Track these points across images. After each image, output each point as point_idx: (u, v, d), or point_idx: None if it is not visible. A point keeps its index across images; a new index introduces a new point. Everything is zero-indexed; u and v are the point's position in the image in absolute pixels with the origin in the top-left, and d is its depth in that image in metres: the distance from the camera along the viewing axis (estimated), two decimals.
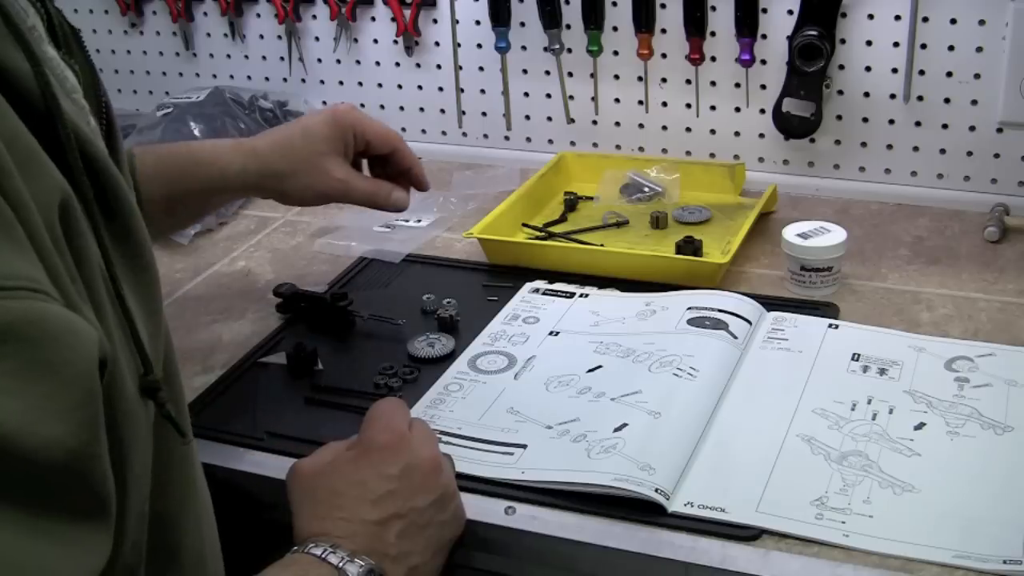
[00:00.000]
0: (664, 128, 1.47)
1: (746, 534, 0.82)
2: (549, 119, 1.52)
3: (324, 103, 1.64)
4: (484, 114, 1.55)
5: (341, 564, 0.71)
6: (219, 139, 1.23)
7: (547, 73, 1.49)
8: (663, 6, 1.39)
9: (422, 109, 1.59)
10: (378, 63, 1.59)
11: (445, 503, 0.80)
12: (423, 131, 1.60)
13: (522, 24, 1.47)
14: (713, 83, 1.41)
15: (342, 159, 1.07)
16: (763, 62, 1.38)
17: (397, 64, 1.58)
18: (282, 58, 1.63)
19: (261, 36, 1.64)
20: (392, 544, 0.75)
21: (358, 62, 1.60)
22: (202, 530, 0.73)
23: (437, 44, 1.54)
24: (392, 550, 0.75)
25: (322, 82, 1.63)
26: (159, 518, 0.65)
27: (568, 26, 1.44)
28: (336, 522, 0.75)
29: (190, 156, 1.08)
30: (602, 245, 1.25)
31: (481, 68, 1.52)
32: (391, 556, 0.75)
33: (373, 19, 1.57)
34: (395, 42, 1.56)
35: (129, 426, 0.58)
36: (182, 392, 0.70)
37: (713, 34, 1.38)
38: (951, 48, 1.30)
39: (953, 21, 1.28)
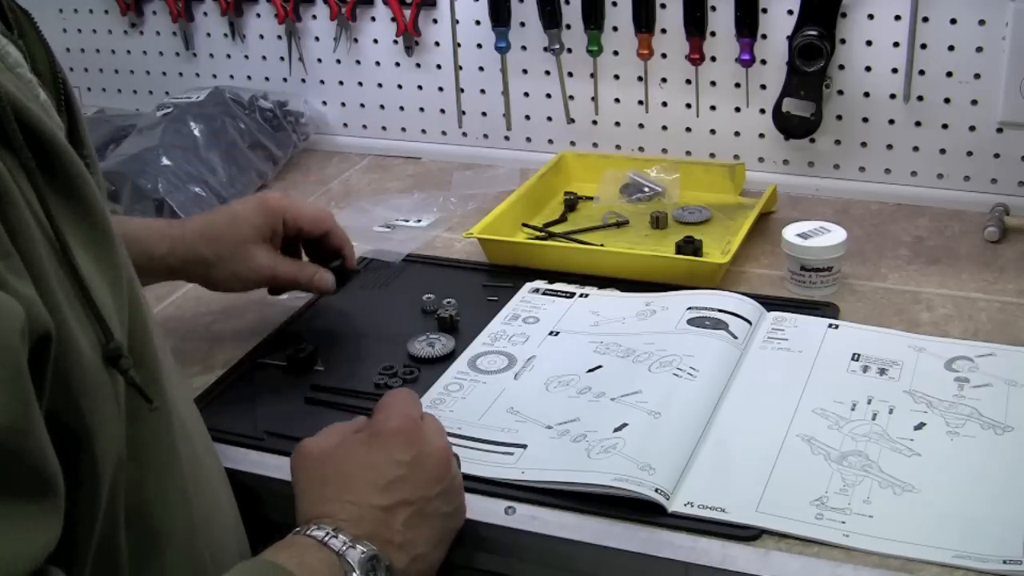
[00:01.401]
0: (664, 128, 1.47)
1: (746, 534, 0.82)
2: (549, 119, 1.52)
3: (324, 103, 1.64)
4: (484, 114, 1.55)
5: (343, 549, 0.70)
6: (153, 220, 1.22)
7: (547, 73, 1.49)
8: (663, 6, 1.39)
9: (422, 109, 1.59)
10: (378, 63, 1.59)
11: (452, 495, 0.80)
12: (423, 131, 1.60)
13: (522, 24, 1.47)
14: (713, 83, 1.41)
15: (268, 246, 1.07)
16: (763, 62, 1.38)
17: (397, 64, 1.58)
18: (282, 58, 1.63)
19: (261, 36, 1.64)
20: (398, 531, 0.75)
21: (358, 62, 1.60)
22: (191, 507, 0.71)
23: (437, 44, 1.54)
24: (398, 537, 0.74)
25: (322, 82, 1.63)
26: (136, 487, 0.64)
27: (568, 26, 1.44)
28: (343, 505, 0.74)
29: (119, 230, 1.09)
30: (602, 245, 1.25)
31: (481, 68, 1.52)
32: (396, 543, 0.74)
33: (373, 19, 1.57)
34: (395, 42, 1.56)
35: (90, 396, 0.58)
36: (157, 358, 0.69)
37: (713, 34, 1.38)
38: (951, 48, 1.30)
39: (953, 21, 1.28)
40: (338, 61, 1.61)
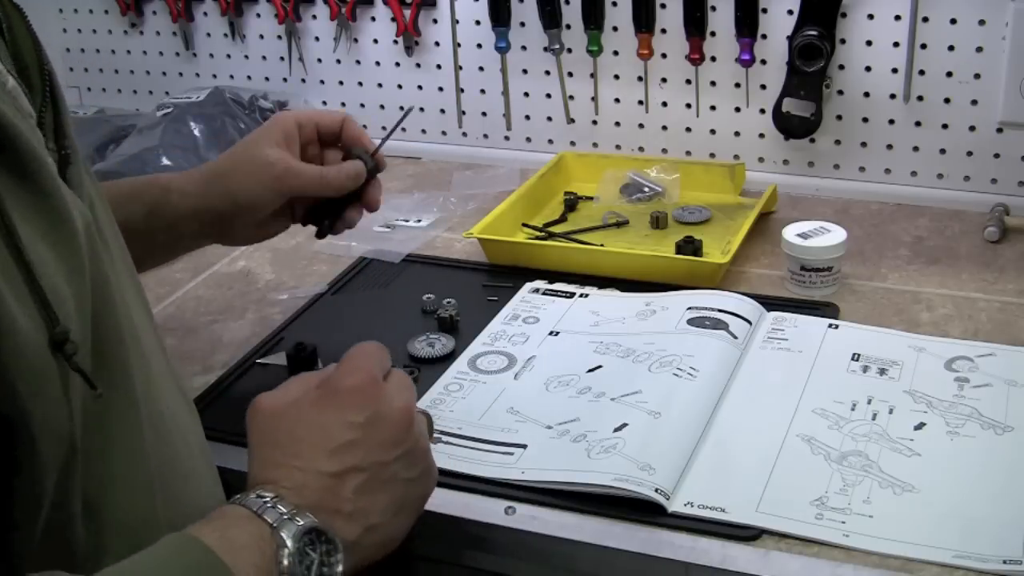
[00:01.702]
0: (664, 128, 1.47)
1: (746, 534, 0.82)
2: (549, 119, 1.52)
3: (324, 103, 1.64)
4: (484, 114, 1.55)
5: (279, 521, 0.64)
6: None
7: (547, 73, 1.49)
8: (663, 6, 1.39)
9: (422, 109, 1.59)
10: (378, 63, 1.59)
11: (414, 459, 0.74)
12: (423, 131, 1.60)
13: (522, 24, 1.47)
14: (713, 83, 1.42)
15: (283, 148, 1.02)
16: (763, 62, 1.38)
17: (397, 64, 1.58)
18: (282, 58, 1.63)
19: (261, 36, 1.64)
20: (347, 499, 0.69)
21: (358, 62, 1.60)
22: (155, 502, 0.66)
23: (437, 44, 1.54)
24: (347, 506, 0.69)
25: (322, 82, 1.63)
26: (89, 476, 0.61)
27: (568, 26, 1.44)
28: (289, 471, 0.69)
29: (144, 179, 1.07)
30: (602, 245, 1.25)
31: (481, 68, 1.53)
32: (344, 512, 0.69)
33: (373, 19, 1.57)
34: (395, 42, 1.56)
35: (29, 380, 0.56)
36: (127, 349, 0.65)
37: (713, 34, 1.38)
38: (951, 48, 1.30)
39: (953, 21, 1.28)
40: (338, 61, 1.61)
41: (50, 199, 0.60)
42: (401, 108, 1.00)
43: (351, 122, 1.04)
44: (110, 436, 0.64)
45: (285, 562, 0.63)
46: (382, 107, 1.61)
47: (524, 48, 1.48)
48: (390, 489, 0.72)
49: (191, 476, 0.73)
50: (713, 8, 1.37)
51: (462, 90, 1.54)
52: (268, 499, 0.66)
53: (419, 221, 1.36)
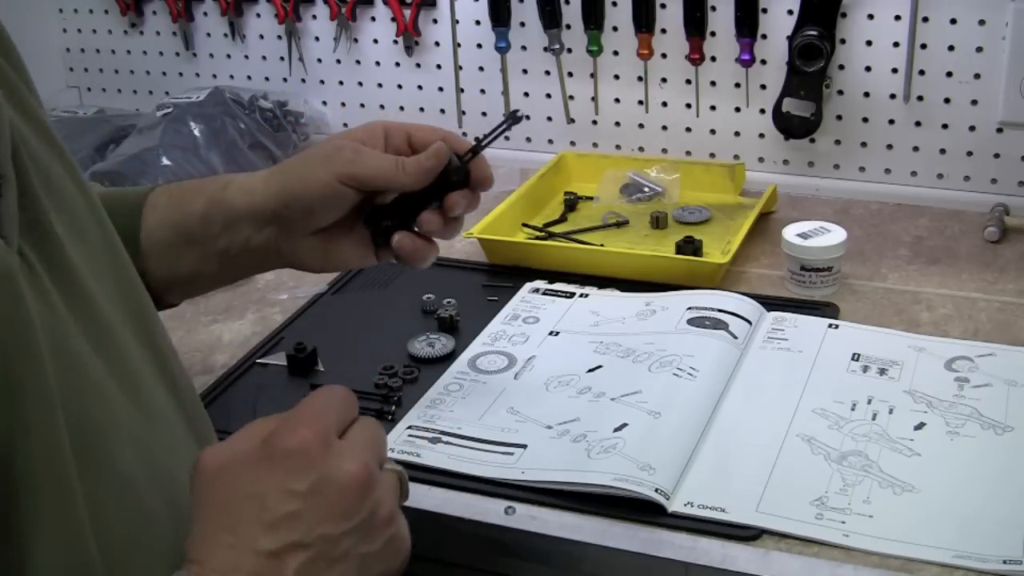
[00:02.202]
0: (664, 128, 1.47)
1: (746, 534, 0.82)
2: (549, 119, 1.52)
3: (324, 103, 1.64)
4: (484, 114, 1.55)
5: None
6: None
7: (547, 73, 1.49)
8: (663, 6, 1.39)
9: (422, 109, 1.59)
10: (378, 63, 1.59)
11: (372, 531, 0.62)
12: None
13: (522, 24, 1.47)
14: (713, 83, 1.42)
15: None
16: (763, 62, 1.38)
17: (397, 64, 1.58)
18: (282, 58, 1.63)
19: (261, 36, 1.64)
20: None
21: (358, 62, 1.60)
22: (75, 498, 0.58)
23: (437, 44, 1.54)
24: None
25: (322, 82, 1.63)
26: (6, 465, 0.55)
27: (568, 26, 1.44)
28: (219, 548, 0.58)
29: (211, 178, 0.96)
30: (602, 245, 1.25)
31: (481, 68, 1.53)
32: None
33: (373, 19, 1.57)
34: (395, 42, 1.56)
35: None
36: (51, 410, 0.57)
37: (713, 34, 1.38)
38: (951, 48, 1.30)
39: (953, 21, 1.28)
40: (338, 61, 1.61)
41: None
42: (509, 115, 0.86)
43: (454, 138, 0.89)
44: (32, 427, 0.56)
45: None
46: (382, 107, 1.61)
47: (524, 48, 1.48)
48: (341, 567, 0.61)
49: (137, 481, 0.64)
50: (713, 8, 1.37)
51: (462, 90, 1.54)
52: None
53: None
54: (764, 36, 1.37)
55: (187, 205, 0.90)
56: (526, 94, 1.52)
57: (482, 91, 1.54)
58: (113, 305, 0.65)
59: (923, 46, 1.31)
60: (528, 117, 0.82)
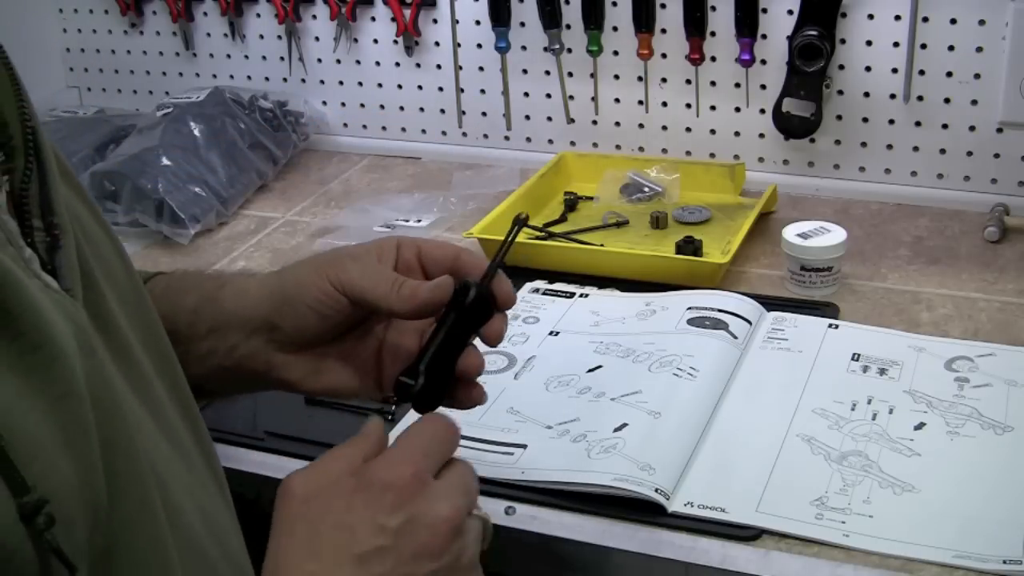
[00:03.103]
0: (664, 128, 1.47)
1: (746, 534, 0.82)
2: (549, 119, 1.52)
3: (324, 103, 1.64)
4: (484, 114, 1.55)
5: None
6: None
7: (547, 73, 1.49)
8: (663, 6, 1.39)
9: (422, 109, 1.59)
10: (378, 63, 1.59)
11: (455, 574, 0.63)
12: (423, 131, 1.60)
13: (522, 24, 1.47)
14: (713, 83, 1.42)
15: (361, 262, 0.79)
16: (763, 62, 1.38)
17: (397, 64, 1.58)
18: (282, 58, 1.63)
19: (261, 36, 1.64)
20: None
21: (358, 62, 1.60)
22: None
23: (437, 44, 1.54)
24: None
25: (322, 82, 1.63)
26: None
27: (568, 26, 1.44)
28: (303, 574, 0.60)
29: (206, 274, 0.89)
30: (602, 245, 1.25)
31: (481, 68, 1.53)
32: None
33: (373, 19, 1.57)
34: (395, 42, 1.56)
35: None
36: (134, 480, 0.54)
37: (713, 34, 1.38)
38: (951, 48, 1.30)
39: (953, 21, 1.28)
40: (338, 61, 1.61)
41: (17, 323, 0.49)
42: (515, 221, 0.78)
43: (468, 256, 0.78)
44: None
45: None
46: (382, 107, 1.61)
47: (524, 48, 1.48)
48: None
49: None
50: (713, 8, 1.37)
51: (462, 90, 1.54)
52: None
53: (419, 221, 1.36)
54: (764, 36, 1.37)
55: (179, 298, 0.82)
56: (526, 94, 1.52)
57: (482, 91, 1.54)
58: (144, 351, 0.64)
59: (923, 46, 1.31)
60: (528, 217, 0.75)
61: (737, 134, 1.43)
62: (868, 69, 1.34)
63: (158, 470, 0.58)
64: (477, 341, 0.75)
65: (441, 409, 0.73)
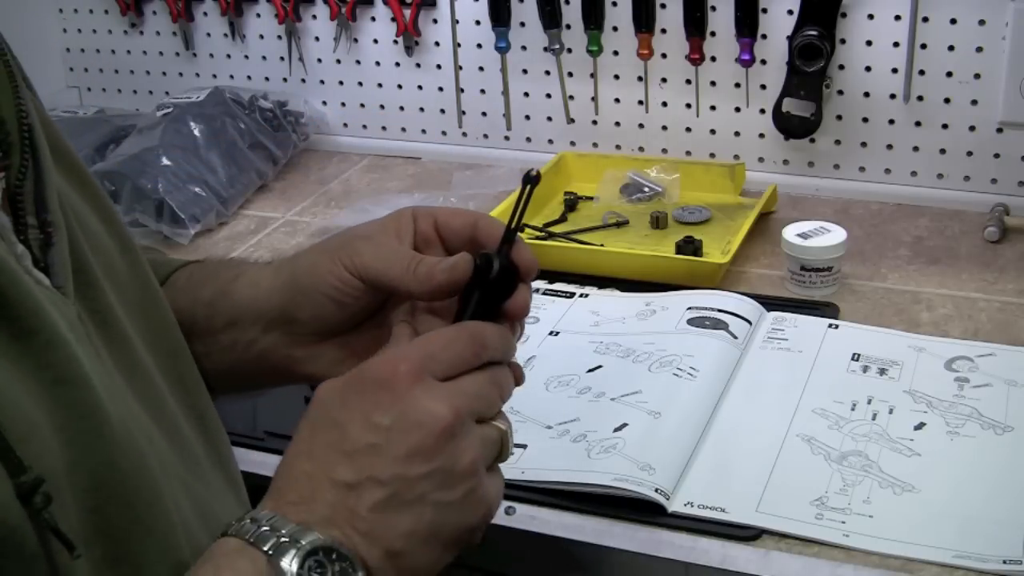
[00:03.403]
0: (664, 128, 1.47)
1: (746, 534, 0.82)
2: (549, 119, 1.52)
3: (324, 103, 1.64)
4: (484, 114, 1.55)
5: (274, 548, 0.54)
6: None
7: (547, 73, 1.49)
8: (663, 6, 1.39)
9: (422, 109, 1.59)
10: (378, 63, 1.59)
11: (452, 480, 0.59)
12: (423, 131, 1.60)
13: (522, 24, 1.47)
14: (713, 83, 1.41)
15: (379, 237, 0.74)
16: (763, 62, 1.38)
17: (397, 64, 1.58)
18: (282, 58, 1.63)
19: (261, 36, 1.64)
20: (363, 517, 0.57)
21: (358, 62, 1.60)
22: None
23: (437, 44, 1.54)
24: (362, 525, 0.57)
25: (322, 82, 1.63)
26: None
27: (568, 26, 1.44)
28: (296, 479, 0.58)
29: (226, 262, 0.86)
30: (602, 245, 1.25)
31: (481, 68, 1.52)
32: (361, 531, 0.57)
33: (373, 19, 1.57)
34: (395, 42, 1.56)
35: None
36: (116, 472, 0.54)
37: (713, 34, 1.38)
38: (951, 48, 1.30)
39: (953, 21, 1.28)
40: (338, 61, 1.61)
41: (11, 308, 0.50)
42: (525, 178, 0.67)
43: (487, 222, 0.71)
44: None
45: None
46: (382, 107, 1.61)
47: (524, 48, 1.48)
48: (415, 512, 0.59)
49: None
50: (713, 8, 1.37)
51: (462, 90, 1.54)
52: (266, 520, 0.56)
53: None
54: (764, 36, 1.37)
55: (198, 291, 0.78)
56: (526, 94, 1.52)
57: (482, 91, 1.54)
58: (148, 348, 0.63)
59: (923, 46, 1.31)
60: (539, 173, 0.65)
61: (737, 134, 1.43)
62: (868, 69, 1.34)
63: (149, 465, 0.57)
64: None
65: None
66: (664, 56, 1.42)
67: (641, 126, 1.48)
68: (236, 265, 0.81)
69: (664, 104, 1.45)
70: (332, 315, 0.72)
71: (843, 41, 1.34)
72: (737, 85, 1.40)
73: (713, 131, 1.44)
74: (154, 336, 0.65)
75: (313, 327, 0.73)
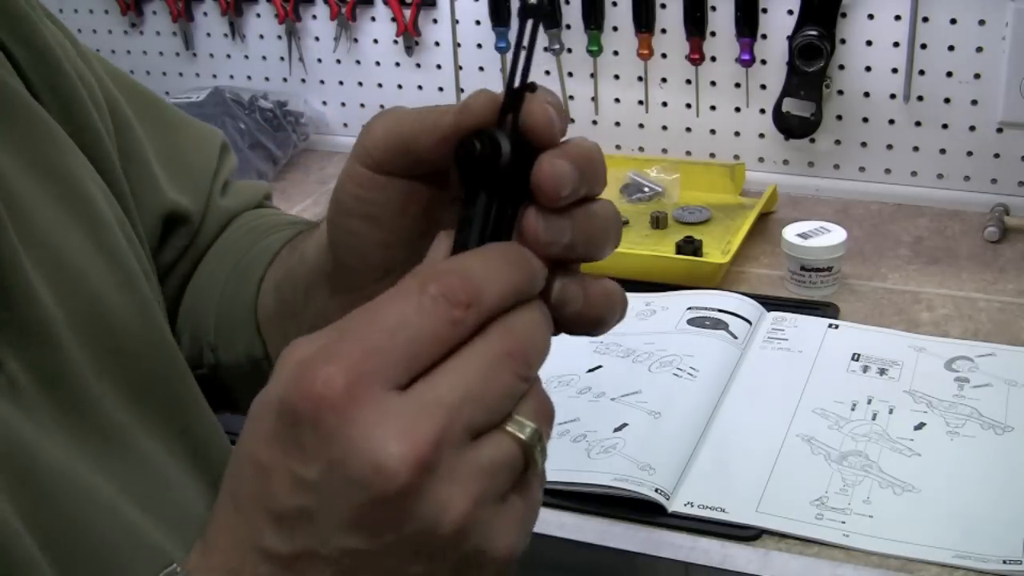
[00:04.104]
0: (664, 128, 1.47)
1: (746, 534, 0.82)
2: None
3: (324, 103, 1.64)
4: None
5: None
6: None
7: (547, 73, 1.49)
8: (663, 6, 1.39)
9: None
10: (378, 63, 1.59)
11: (433, 547, 0.39)
12: None
13: None
14: (713, 83, 1.41)
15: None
16: (763, 62, 1.38)
17: (397, 64, 1.58)
18: (282, 58, 1.63)
19: (261, 36, 1.64)
20: None
21: (358, 62, 1.60)
22: None
23: (437, 44, 1.54)
24: None
25: (322, 82, 1.63)
26: None
27: (568, 26, 1.44)
28: (222, 531, 0.41)
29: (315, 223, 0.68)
30: None
31: (481, 68, 1.52)
32: None
33: (373, 19, 1.57)
34: (395, 42, 1.56)
35: None
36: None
37: (713, 34, 1.38)
38: (951, 48, 1.30)
39: (953, 21, 1.28)
40: (338, 61, 1.61)
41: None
42: (525, 8, 0.45)
43: (474, 102, 0.48)
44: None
45: None
46: (382, 107, 1.61)
47: None
48: None
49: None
50: (713, 8, 1.37)
51: (462, 90, 1.54)
52: None
53: None
54: (764, 36, 1.37)
55: (289, 259, 0.65)
56: None
57: None
58: (127, 401, 0.54)
59: (923, 46, 1.31)
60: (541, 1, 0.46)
61: (737, 134, 1.43)
62: (868, 69, 1.34)
63: (108, 540, 0.47)
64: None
65: None
66: (664, 56, 1.42)
67: (641, 126, 1.47)
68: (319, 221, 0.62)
69: (664, 104, 1.45)
70: (368, 239, 0.53)
71: (843, 41, 1.34)
72: (737, 85, 1.40)
73: (713, 131, 1.44)
74: (142, 382, 0.55)
75: (362, 269, 0.55)
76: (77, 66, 0.60)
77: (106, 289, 0.54)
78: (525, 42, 0.45)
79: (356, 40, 1.58)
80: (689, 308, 1.09)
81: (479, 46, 1.51)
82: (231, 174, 0.77)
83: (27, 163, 0.53)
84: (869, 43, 1.33)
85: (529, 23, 0.45)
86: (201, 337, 0.69)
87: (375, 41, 1.58)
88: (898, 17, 1.30)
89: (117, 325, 0.54)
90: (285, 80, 1.64)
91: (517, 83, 0.46)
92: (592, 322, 0.51)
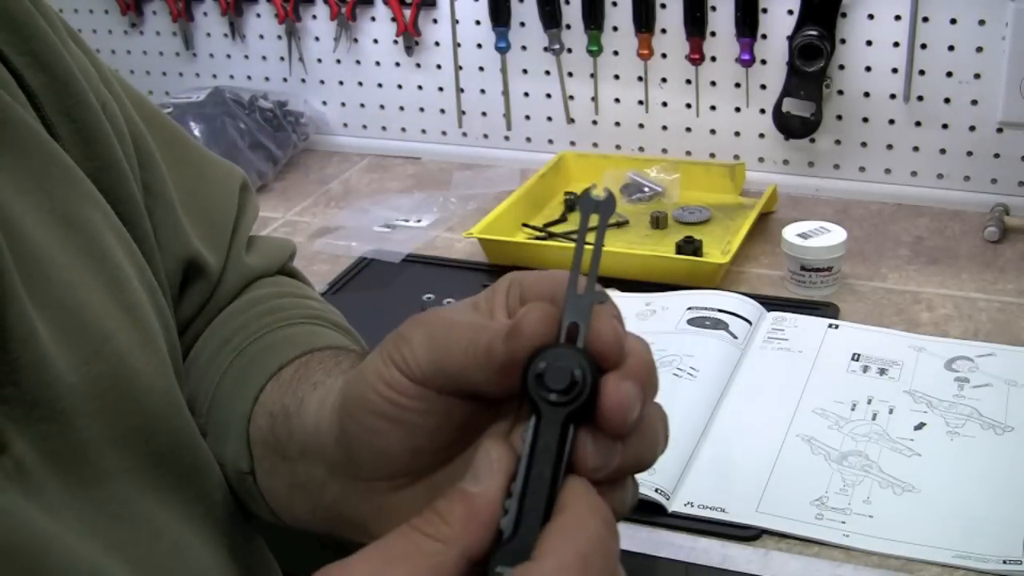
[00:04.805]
0: (664, 128, 1.47)
1: (746, 534, 0.82)
2: (549, 119, 1.52)
3: (324, 103, 1.64)
4: (484, 114, 1.55)
5: None
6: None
7: (547, 73, 1.49)
8: (663, 6, 1.39)
9: (422, 109, 1.59)
10: (378, 63, 1.59)
11: None
12: (423, 131, 1.60)
13: (522, 24, 1.47)
14: (713, 83, 1.42)
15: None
16: (763, 62, 1.38)
17: (397, 64, 1.58)
18: (282, 58, 1.63)
19: (261, 36, 1.64)
20: None
21: (358, 62, 1.60)
22: None
23: (437, 44, 1.54)
24: None
25: (322, 82, 1.63)
26: None
27: (568, 26, 1.44)
28: None
29: (330, 353, 0.63)
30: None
31: (481, 68, 1.53)
32: None
33: (373, 19, 1.57)
34: (395, 42, 1.56)
35: None
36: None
37: (713, 34, 1.38)
38: (951, 48, 1.30)
39: (953, 21, 1.28)
40: (338, 61, 1.61)
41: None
42: (586, 201, 0.45)
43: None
44: None
45: None
46: (382, 107, 1.61)
47: (524, 48, 1.48)
48: None
49: None
50: (713, 8, 1.37)
51: (462, 90, 1.54)
52: None
53: (419, 221, 1.36)
54: (764, 36, 1.37)
55: (287, 396, 0.58)
56: (526, 94, 1.52)
57: (482, 91, 1.54)
58: (144, 468, 0.51)
59: (923, 46, 1.31)
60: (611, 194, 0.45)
61: (737, 134, 1.43)
62: (868, 69, 1.34)
63: None
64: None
65: None
66: (664, 56, 1.42)
67: (641, 126, 1.48)
68: (335, 359, 0.60)
69: (664, 104, 1.45)
70: (397, 445, 0.49)
71: (843, 41, 1.34)
72: (737, 85, 1.40)
73: (713, 131, 1.44)
74: (164, 453, 0.53)
75: (379, 467, 0.50)
76: (101, 95, 0.57)
77: (129, 350, 0.51)
78: (586, 239, 0.40)
79: (356, 40, 1.58)
80: (689, 308, 1.09)
81: (479, 46, 1.51)
82: (254, 221, 0.73)
83: (42, 210, 0.49)
84: (869, 43, 1.33)
85: (595, 218, 0.40)
86: (194, 408, 0.61)
87: (375, 41, 1.58)
88: (898, 17, 1.30)
89: (141, 388, 0.51)
90: (285, 80, 1.64)
91: (581, 288, 0.42)
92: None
